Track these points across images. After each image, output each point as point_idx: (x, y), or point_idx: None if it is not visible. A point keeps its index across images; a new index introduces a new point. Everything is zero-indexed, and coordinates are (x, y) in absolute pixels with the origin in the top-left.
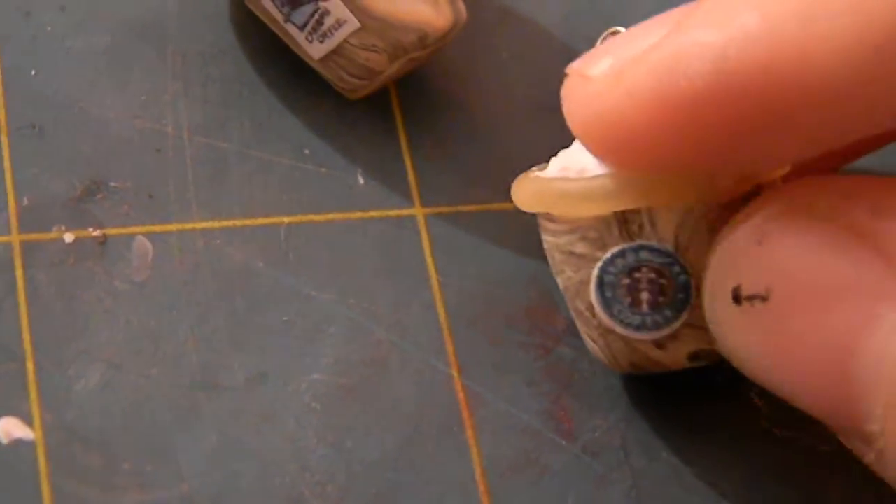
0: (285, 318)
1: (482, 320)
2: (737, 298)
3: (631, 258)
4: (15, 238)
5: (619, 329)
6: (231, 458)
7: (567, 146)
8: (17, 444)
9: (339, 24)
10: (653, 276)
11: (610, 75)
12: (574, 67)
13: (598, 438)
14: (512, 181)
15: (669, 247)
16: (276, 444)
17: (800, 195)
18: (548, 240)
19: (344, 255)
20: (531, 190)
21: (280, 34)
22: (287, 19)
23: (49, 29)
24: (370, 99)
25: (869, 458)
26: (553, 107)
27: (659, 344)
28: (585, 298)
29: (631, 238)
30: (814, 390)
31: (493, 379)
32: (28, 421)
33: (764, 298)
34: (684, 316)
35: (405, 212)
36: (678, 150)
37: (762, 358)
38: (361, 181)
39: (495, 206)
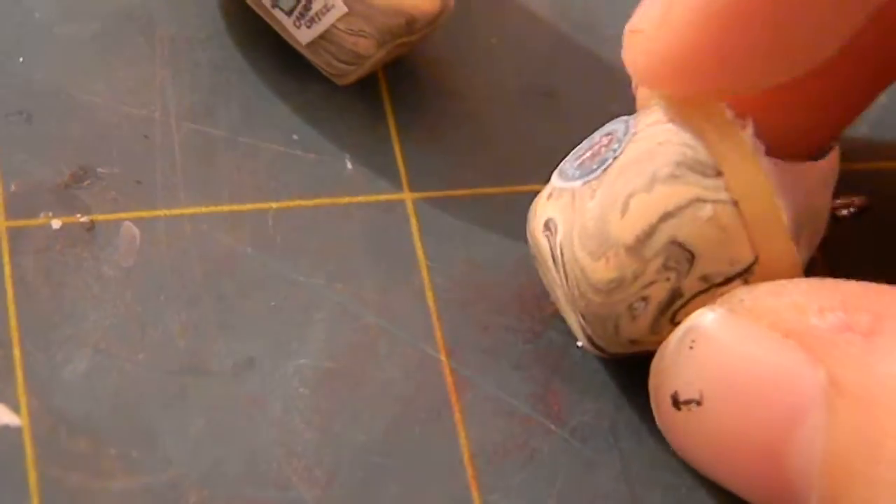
0: (273, 304)
1: (471, 305)
2: (675, 403)
3: None
4: (2, 224)
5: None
6: (218, 442)
7: (555, 131)
8: (4, 429)
9: (327, 8)
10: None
11: (656, 21)
12: (628, 27)
13: (586, 422)
14: (501, 167)
15: None
16: (264, 429)
17: (733, 298)
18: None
19: (332, 241)
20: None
21: (268, 19)
22: (275, 4)
23: (37, 15)
24: (359, 84)
25: None
26: (542, 91)
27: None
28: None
29: None
30: (754, 487)
31: (481, 363)
32: (14, 407)
33: (698, 402)
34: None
35: (394, 197)
36: (722, 70)
37: (703, 456)
38: (350, 166)
39: (484, 190)
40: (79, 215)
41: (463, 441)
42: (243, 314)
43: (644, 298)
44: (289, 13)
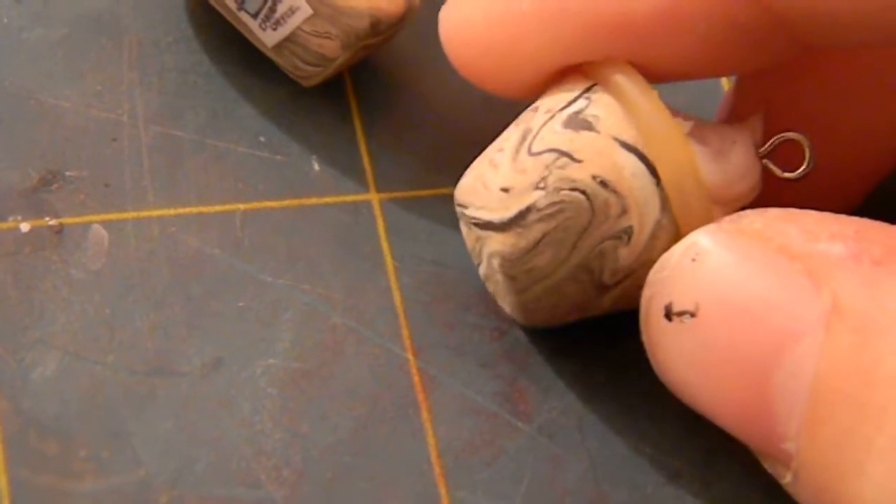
0: (241, 304)
1: (438, 304)
2: (668, 314)
3: None
4: None
5: None
6: (187, 443)
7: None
8: None
9: (292, 11)
10: None
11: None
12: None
13: (554, 419)
14: (466, 167)
15: None
16: (232, 429)
17: (740, 219)
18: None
19: (299, 241)
20: None
21: (234, 23)
22: (240, 7)
23: (5, 20)
24: (325, 86)
25: (786, 480)
26: None
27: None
28: None
29: None
30: (734, 409)
31: (448, 362)
32: None
33: (692, 314)
34: None
35: (360, 197)
36: (515, 69)
37: (687, 373)
38: (317, 167)
39: (450, 190)
40: (47, 218)
41: (430, 439)
42: (211, 315)
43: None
44: (255, 16)
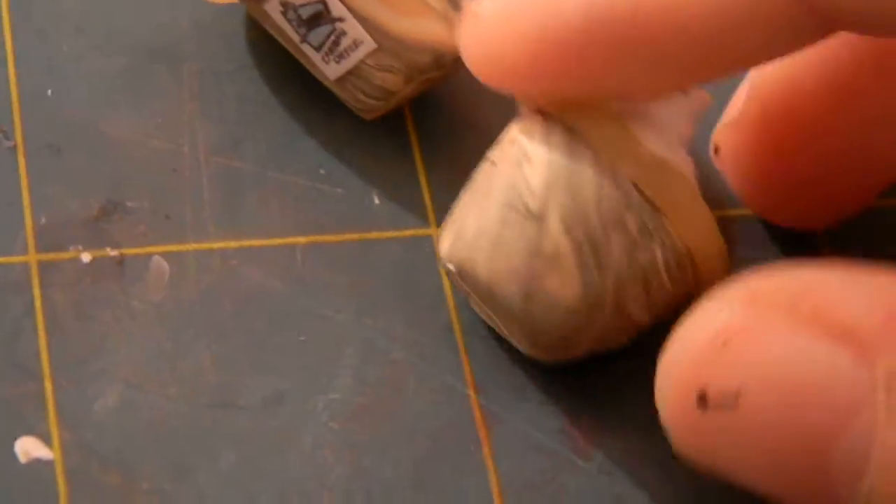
0: (302, 338)
1: (498, 340)
2: (702, 403)
3: None
4: (32, 258)
5: None
6: (249, 477)
7: None
8: (36, 463)
9: (356, 44)
10: None
11: (498, 15)
12: (469, 6)
13: (615, 457)
14: None
15: None
16: (294, 464)
17: (759, 291)
18: None
19: (360, 276)
20: None
21: (296, 54)
22: (303, 40)
23: (65, 49)
24: (385, 119)
25: None
26: None
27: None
28: None
29: None
30: (788, 486)
31: (509, 398)
32: (47, 440)
33: (734, 402)
34: None
35: (421, 232)
36: (558, 81)
37: (729, 458)
38: (377, 201)
39: None
40: (108, 249)
41: (492, 476)
42: (273, 349)
43: None
44: (318, 49)
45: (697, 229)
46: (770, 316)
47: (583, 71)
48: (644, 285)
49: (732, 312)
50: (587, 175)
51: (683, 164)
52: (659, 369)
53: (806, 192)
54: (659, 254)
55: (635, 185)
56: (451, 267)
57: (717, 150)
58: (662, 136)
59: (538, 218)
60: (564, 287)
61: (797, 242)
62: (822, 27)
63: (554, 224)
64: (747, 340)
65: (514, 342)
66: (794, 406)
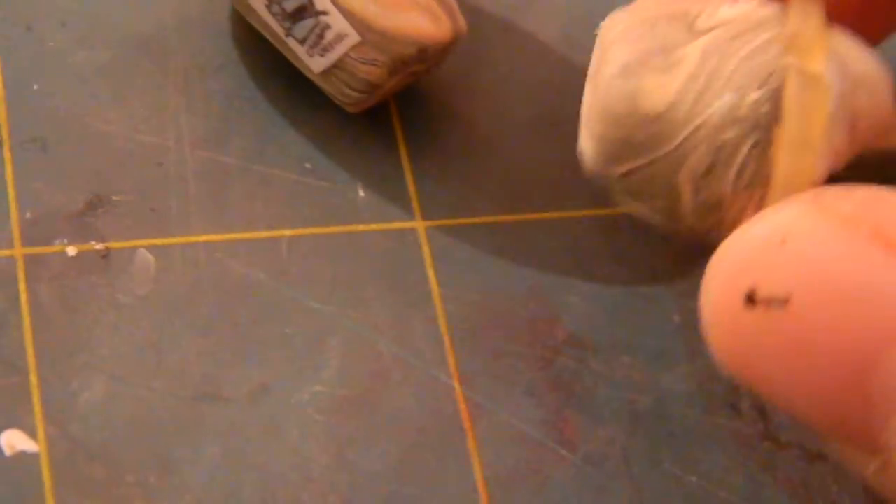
0: (287, 331)
1: (483, 332)
2: (751, 300)
3: None
4: (18, 251)
5: None
6: (234, 469)
7: (567, 158)
8: (21, 456)
9: (340, 38)
10: None
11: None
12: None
13: (599, 448)
14: (512, 195)
15: None
16: (279, 456)
17: (826, 198)
18: None
19: (345, 268)
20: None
21: (281, 48)
22: (288, 34)
23: (51, 44)
24: (370, 112)
25: (870, 469)
26: (552, 120)
27: None
28: None
29: None
30: (825, 399)
31: (494, 390)
32: (32, 433)
33: (784, 302)
34: None
35: (406, 224)
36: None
37: (769, 365)
38: (362, 194)
39: (496, 218)
40: (94, 243)
41: (477, 467)
42: (258, 341)
43: None
44: (302, 42)
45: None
46: (832, 222)
47: None
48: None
49: (793, 213)
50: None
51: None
52: (709, 265)
53: None
54: (745, 147)
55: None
56: None
57: None
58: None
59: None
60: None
61: None
62: None
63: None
64: (806, 242)
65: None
66: (843, 316)
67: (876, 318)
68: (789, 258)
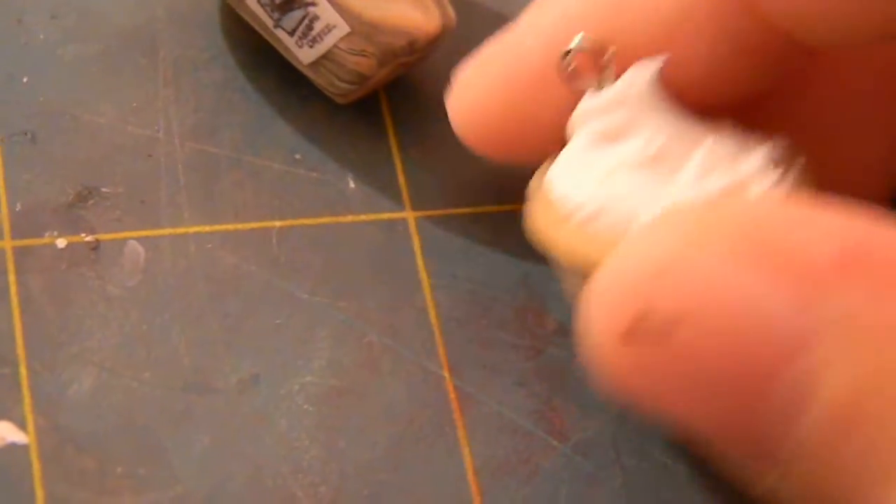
0: (277, 321)
1: (473, 322)
2: (635, 332)
3: None
4: (7, 243)
5: None
6: (224, 459)
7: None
8: (11, 447)
9: (329, 28)
10: None
11: (471, 74)
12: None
13: (589, 438)
14: (501, 185)
15: None
16: (269, 446)
17: (706, 220)
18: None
19: (335, 259)
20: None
21: (270, 40)
22: (277, 24)
23: (41, 36)
24: (360, 103)
25: (770, 480)
26: None
27: None
28: None
29: None
30: (721, 421)
31: (484, 380)
32: (21, 425)
33: (668, 333)
34: None
35: (396, 215)
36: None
37: (660, 387)
38: (352, 185)
39: (485, 208)
40: (84, 234)
41: (466, 457)
42: (248, 332)
43: None
44: (291, 33)
45: None
46: (712, 247)
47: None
48: None
49: (674, 241)
50: None
51: None
52: (590, 294)
53: None
54: None
55: None
56: None
57: None
58: None
59: None
60: None
61: None
62: (779, 42)
63: None
64: (686, 270)
65: None
66: (733, 339)
67: (764, 340)
68: (671, 288)
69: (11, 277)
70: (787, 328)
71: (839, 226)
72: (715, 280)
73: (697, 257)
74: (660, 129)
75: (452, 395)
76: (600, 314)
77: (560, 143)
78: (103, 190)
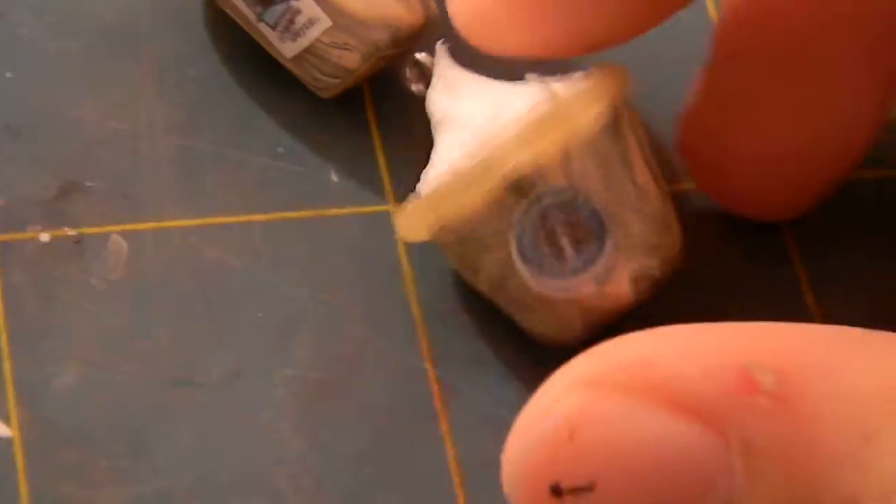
0: (260, 315)
1: (456, 314)
2: (557, 493)
3: (535, 211)
4: None
5: (558, 285)
6: (207, 452)
7: None
8: None
9: (311, 22)
10: (562, 216)
11: None
12: None
13: None
14: None
15: (564, 184)
16: (252, 439)
17: (597, 374)
18: (452, 251)
19: (318, 252)
20: (422, 212)
21: (253, 34)
22: (259, 18)
23: (24, 31)
24: (343, 97)
25: None
26: None
27: (599, 280)
28: (515, 277)
29: (527, 196)
30: None
31: (467, 372)
32: (5, 418)
33: (590, 489)
34: (609, 241)
35: (379, 208)
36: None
37: None
38: (335, 179)
39: None
40: (67, 229)
41: (449, 450)
42: (231, 325)
43: None
44: (273, 27)
45: None
46: (611, 400)
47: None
48: None
49: (572, 403)
50: None
51: None
52: (505, 461)
53: (764, 178)
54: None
55: None
56: None
57: (679, 146)
58: None
59: None
60: None
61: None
62: None
63: None
64: (592, 429)
65: None
66: (650, 487)
67: (681, 482)
68: (582, 449)
69: None
70: (697, 463)
71: (729, 344)
72: (620, 431)
73: (599, 413)
74: (461, 100)
75: (435, 388)
76: (524, 478)
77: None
78: (86, 184)
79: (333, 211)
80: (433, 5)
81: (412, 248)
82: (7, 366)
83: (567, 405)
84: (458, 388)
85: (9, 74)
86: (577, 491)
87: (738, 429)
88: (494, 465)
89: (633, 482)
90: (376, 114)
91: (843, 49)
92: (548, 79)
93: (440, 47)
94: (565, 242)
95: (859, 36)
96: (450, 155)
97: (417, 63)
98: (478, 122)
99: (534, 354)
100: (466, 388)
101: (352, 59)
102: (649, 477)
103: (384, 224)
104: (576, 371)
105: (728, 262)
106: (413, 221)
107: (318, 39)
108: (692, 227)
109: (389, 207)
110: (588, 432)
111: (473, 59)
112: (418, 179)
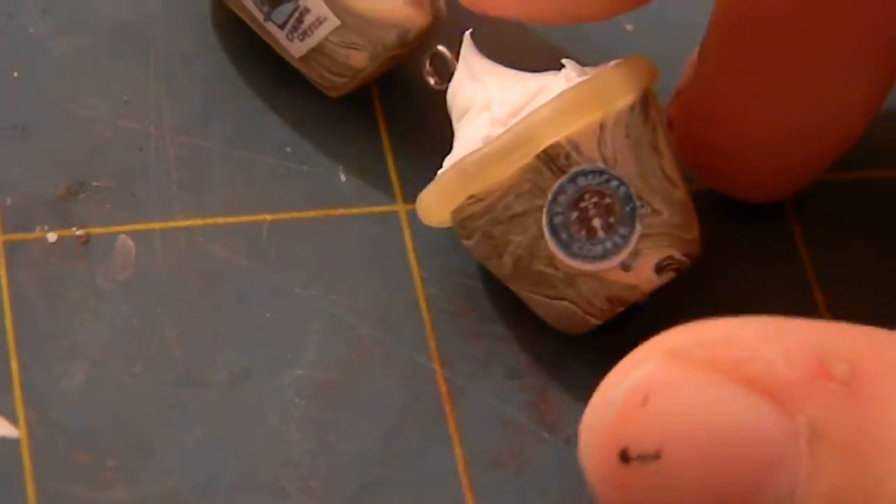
0: (268, 315)
1: (464, 315)
2: (625, 458)
3: (571, 190)
4: None
5: (586, 266)
6: (215, 453)
7: None
8: (2, 441)
9: (319, 21)
10: (596, 199)
11: None
12: None
13: None
14: None
15: (600, 164)
16: (260, 439)
17: (677, 347)
18: (477, 227)
19: (326, 252)
20: (445, 185)
21: (261, 33)
22: (267, 18)
23: (31, 30)
24: (351, 97)
25: None
26: None
27: (625, 266)
28: (543, 253)
29: (562, 172)
30: None
31: (476, 373)
32: (12, 419)
33: (656, 456)
34: (638, 227)
35: (387, 208)
36: None
37: None
38: (343, 178)
39: None
40: (74, 229)
41: (458, 450)
42: (239, 326)
43: None
44: (281, 26)
45: None
46: (688, 371)
47: None
48: None
49: (650, 369)
50: None
51: None
52: (581, 428)
53: (758, 159)
54: None
55: None
56: None
57: (671, 124)
58: None
59: None
60: None
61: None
62: None
63: None
64: (666, 397)
65: None
66: (715, 461)
67: (746, 459)
68: (653, 415)
69: (2, 272)
70: (764, 443)
71: (804, 333)
72: (693, 403)
73: (675, 382)
74: (491, 86)
75: (443, 389)
76: (596, 442)
77: None
78: (94, 184)
79: (342, 211)
80: (442, 4)
81: (421, 248)
82: (14, 366)
83: (644, 371)
84: (467, 389)
85: (16, 73)
86: (644, 458)
87: (809, 413)
88: (502, 464)
89: (699, 455)
90: (385, 113)
91: (838, 31)
92: (583, 67)
93: (467, 38)
94: (598, 225)
95: (854, 18)
96: (478, 134)
97: (437, 56)
98: (514, 99)
99: (542, 355)
100: (475, 388)
101: (360, 59)
102: (715, 451)
103: (393, 224)
104: (657, 344)
105: (736, 257)
106: (440, 196)
107: (326, 39)
108: (700, 222)
109: (398, 207)
110: (661, 399)
111: (497, 52)
112: (427, 179)
